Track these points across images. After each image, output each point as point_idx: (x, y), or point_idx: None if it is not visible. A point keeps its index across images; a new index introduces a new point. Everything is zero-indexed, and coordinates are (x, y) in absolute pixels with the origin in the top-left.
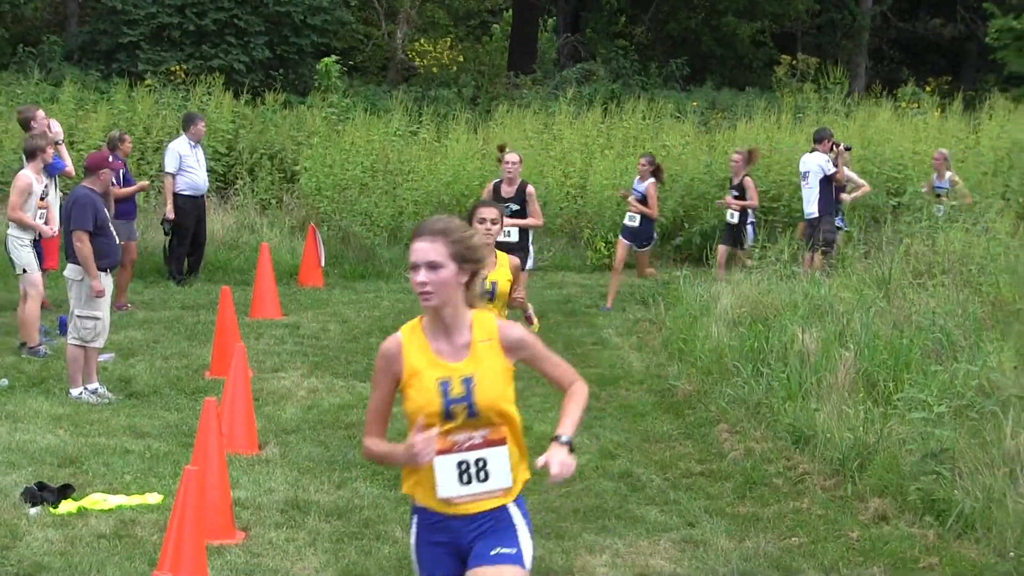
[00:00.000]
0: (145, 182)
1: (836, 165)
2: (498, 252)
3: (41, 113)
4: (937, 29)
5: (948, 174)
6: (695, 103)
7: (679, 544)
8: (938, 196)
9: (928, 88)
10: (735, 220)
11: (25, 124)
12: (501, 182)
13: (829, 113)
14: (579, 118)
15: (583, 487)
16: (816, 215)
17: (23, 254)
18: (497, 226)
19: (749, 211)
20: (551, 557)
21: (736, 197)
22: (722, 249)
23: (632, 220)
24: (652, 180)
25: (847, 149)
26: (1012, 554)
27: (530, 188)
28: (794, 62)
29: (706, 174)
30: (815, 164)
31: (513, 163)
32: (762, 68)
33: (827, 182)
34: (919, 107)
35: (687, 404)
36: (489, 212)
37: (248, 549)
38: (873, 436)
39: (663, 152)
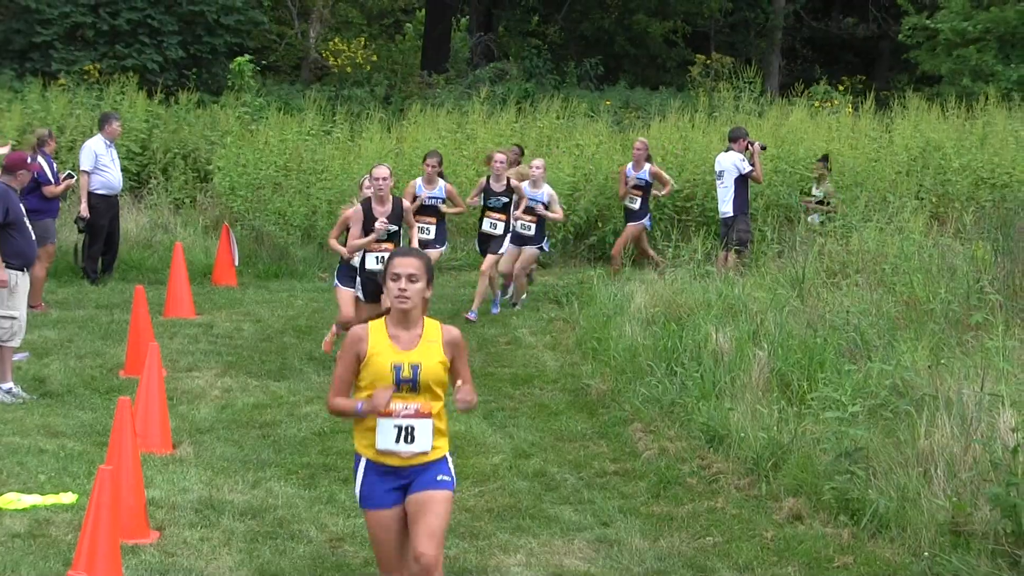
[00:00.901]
0: (72, 179)
1: (752, 164)
2: (428, 321)
3: None
4: (850, 28)
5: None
6: (608, 102)
7: (593, 544)
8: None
9: (841, 87)
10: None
11: None
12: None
13: (743, 112)
14: (492, 117)
15: (497, 486)
16: (731, 214)
17: None
18: (387, 181)
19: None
20: (465, 556)
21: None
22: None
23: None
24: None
25: (763, 148)
26: (926, 554)
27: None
28: (708, 61)
29: (619, 173)
30: (730, 163)
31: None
32: (676, 68)
33: (742, 181)
34: (832, 106)
35: (601, 403)
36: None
37: (163, 548)
38: (787, 435)
39: (576, 151)
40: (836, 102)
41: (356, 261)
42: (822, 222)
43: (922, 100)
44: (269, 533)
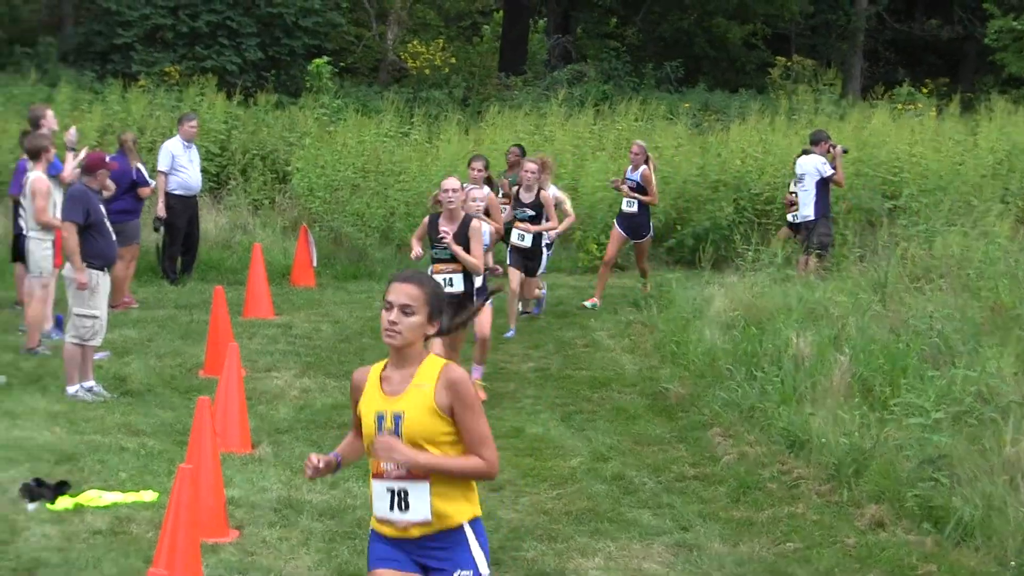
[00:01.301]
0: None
1: (834, 167)
2: (428, 361)
3: (51, 113)
4: (934, 30)
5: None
6: (688, 105)
7: (672, 548)
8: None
9: (924, 90)
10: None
11: (34, 123)
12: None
13: (823, 115)
14: (571, 119)
15: (575, 489)
16: (812, 218)
17: (43, 256)
18: (458, 194)
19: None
20: (543, 559)
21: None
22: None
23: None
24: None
25: (844, 151)
26: (1013, 563)
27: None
28: (789, 64)
29: (699, 176)
30: (812, 167)
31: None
32: (756, 70)
33: (823, 185)
34: (915, 109)
35: (680, 407)
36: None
37: (242, 547)
38: (869, 441)
39: (655, 154)
40: (919, 105)
41: None
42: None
43: (1008, 102)
44: (347, 533)
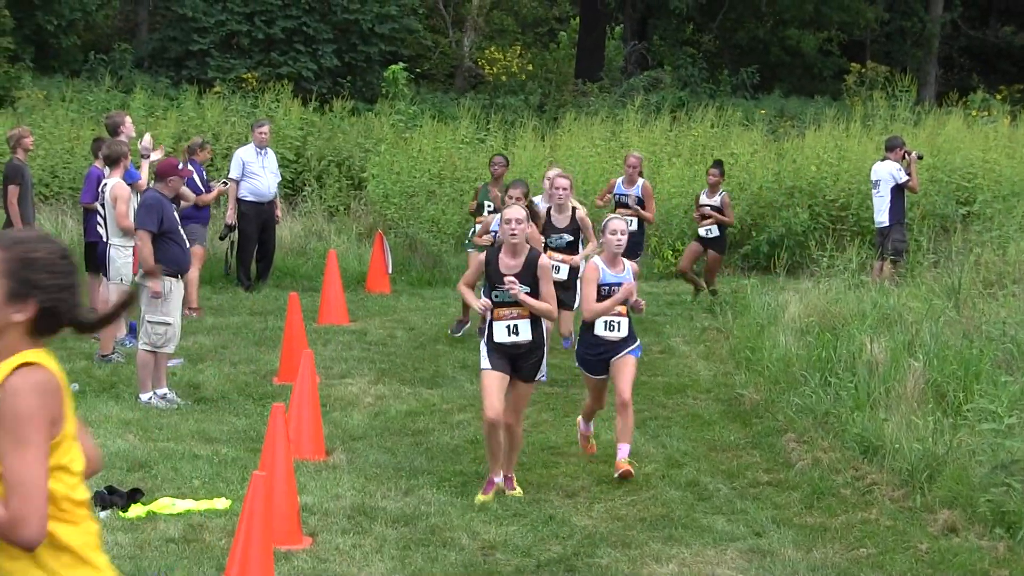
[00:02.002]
0: (221, 185)
1: (909, 173)
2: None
3: (129, 120)
4: (1008, 37)
5: (721, 193)
6: (763, 111)
7: (746, 554)
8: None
9: (999, 96)
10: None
11: (113, 130)
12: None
13: (898, 121)
14: (647, 126)
15: (649, 496)
16: (887, 224)
17: (124, 264)
18: (522, 225)
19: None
20: (617, 566)
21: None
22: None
23: (709, 233)
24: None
25: (919, 157)
26: None
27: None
28: (863, 70)
29: (774, 182)
30: (887, 172)
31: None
32: (831, 76)
33: (898, 191)
34: (989, 115)
35: (754, 413)
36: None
37: (315, 555)
38: (942, 447)
39: (731, 160)
40: (994, 111)
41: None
42: (710, 233)
43: None
44: (421, 540)
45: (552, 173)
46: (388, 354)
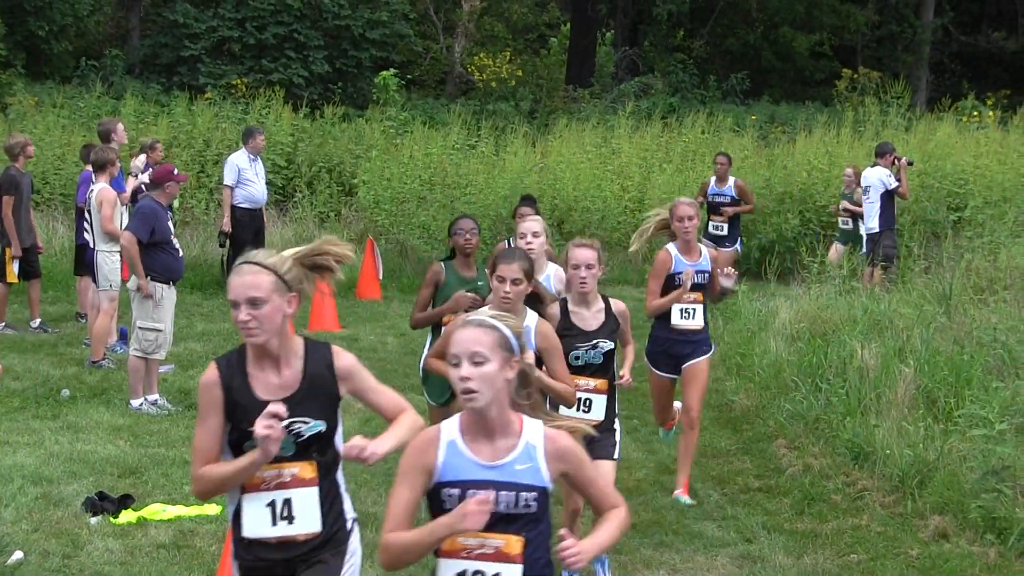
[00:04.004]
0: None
1: (899, 179)
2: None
3: (121, 127)
4: (999, 42)
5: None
6: (754, 117)
7: (737, 560)
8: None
9: (989, 101)
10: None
11: (105, 136)
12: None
13: (889, 127)
14: (638, 132)
15: (640, 502)
16: (877, 230)
17: (112, 270)
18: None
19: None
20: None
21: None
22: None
23: (718, 229)
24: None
25: (909, 163)
26: None
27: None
28: (855, 76)
29: (765, 188)
30: (876, 179)
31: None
32: (822, 82)
33: (888, 197)
34: (980, 121)
35: (745, 419)
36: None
37: None
38: (933, 453)
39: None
40: (990, 116)
41: None
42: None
43: None
44: None
45: (531, 227)
46: (379, 360)
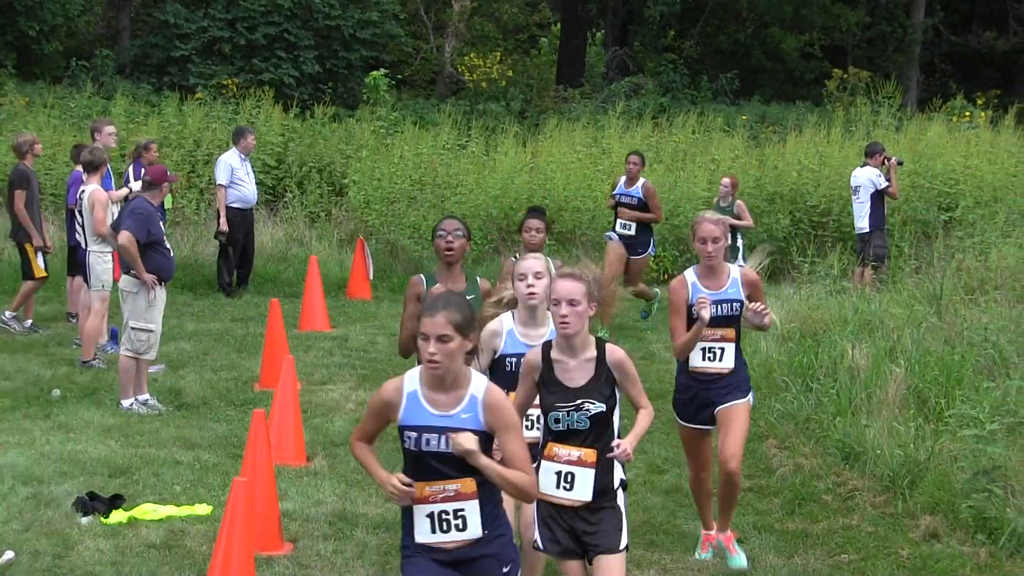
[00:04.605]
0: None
1: (889, 179)
2: None
3: (109, 129)
4: (990, 42)
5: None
6: (745, 117)
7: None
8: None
9: (979, 101)
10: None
11: (93, 134)
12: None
13: (880, 127)
14: (628, 132)
15: (631, 502)
16: (867, 230)
17: (104, 270)
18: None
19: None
20: None
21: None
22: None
23: (627, 228)
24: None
25: (899, 163)
26: None
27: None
28: (845, 76)
29: (755, 188)
30: (866, 179)
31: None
32: (812, 82)
33: (878, 197)
34: (971, 121)
35: None
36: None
37: (296, 560)
38: (924, 453)
39: (712, 166)
40: (981, 116)
41: None
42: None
43: None
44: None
45: (533, 266)
46: (369, 360)
